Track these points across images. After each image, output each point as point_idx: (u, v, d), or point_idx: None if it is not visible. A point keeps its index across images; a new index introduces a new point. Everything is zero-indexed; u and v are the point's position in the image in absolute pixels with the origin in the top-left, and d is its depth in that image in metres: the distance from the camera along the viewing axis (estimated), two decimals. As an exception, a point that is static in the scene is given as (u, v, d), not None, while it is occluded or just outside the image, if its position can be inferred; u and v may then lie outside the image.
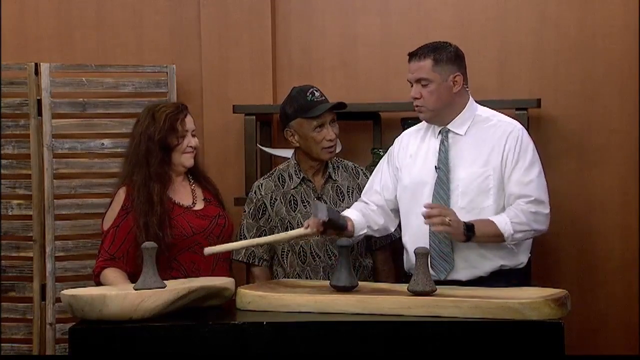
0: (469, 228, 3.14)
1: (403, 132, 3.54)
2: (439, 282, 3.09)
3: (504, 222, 3.19)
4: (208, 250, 3.24)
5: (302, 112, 3.49)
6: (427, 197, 3.29)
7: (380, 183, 3.47)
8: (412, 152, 3.41)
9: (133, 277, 3.36)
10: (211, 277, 3.36)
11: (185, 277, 3.35)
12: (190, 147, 3.51)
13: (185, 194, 3.54)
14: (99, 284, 3.37)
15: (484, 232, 3.17)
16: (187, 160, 3.52)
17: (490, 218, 3.21)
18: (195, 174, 3.60)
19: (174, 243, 3.34)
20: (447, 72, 3.27)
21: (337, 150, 3.77)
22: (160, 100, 4.13)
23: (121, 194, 3.47)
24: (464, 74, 3.33)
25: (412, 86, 3.31)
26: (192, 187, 3.58)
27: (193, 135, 3.53)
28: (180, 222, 3.44)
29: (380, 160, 3.55)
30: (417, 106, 3.32)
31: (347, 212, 3.40)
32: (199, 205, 3.53)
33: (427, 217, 3.12)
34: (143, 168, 3.44)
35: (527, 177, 3.24)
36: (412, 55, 3.32)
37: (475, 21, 4.23)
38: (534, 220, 3.22)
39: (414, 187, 3.35)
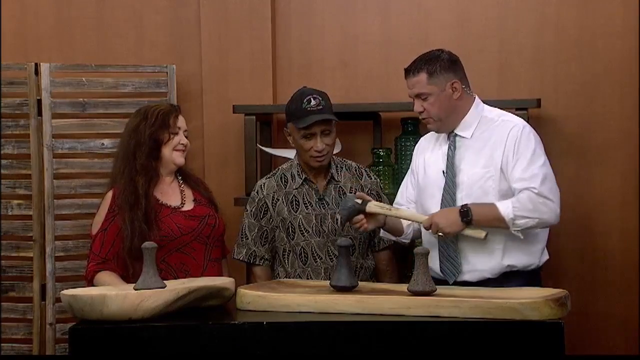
0: (465, 213, 3.15)
1: (422, 137, 3.56)
2: (449, 284, 3.10)
3: (505, 206, 3.16)
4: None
5: (293, 119, 3.47)
6: (437, 202, 3.30)
7: (406, 189, 3.51)
8: (426, 156, 3.43)
9: (123, 279, 3.37)
10: (211, 277, 3.36)
11: (174, 278, 3.34)
12: (182, 144, 3.51)
13: (173, 195, 3.53)
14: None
15: (482, 214, 3.16)
16: (178, 157, 3.52)
17: (495, 202, 3.20)
18: (186, 176, 3.60)
19: (162, 244, 3.32)
20: (443, 82, 3.27)
21: (337, 151, 3.77)
22: (161, 100, 4.14)
23: (108, 197, 3.47)
24: (462, 78, 3.31)
25: (413, 101, 3.32)
26: (182, 188, 3.57)
27: (185, 136, 3.54)
28: (168, 223, 3.44)
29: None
30: (424, 119, 3.34)
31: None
32: (188, 206, 3.53)
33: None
34: (130, 162, 3.45)
35: (528, 172, 3.20)
36: (407, 72, 3.32)
37: (475, 21, 4.23)
38: (539, 208, 3.16)
39: (426, 192, 3.37)
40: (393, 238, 3.51)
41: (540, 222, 3.19)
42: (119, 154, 3.55)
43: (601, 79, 4.15)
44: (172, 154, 3.50)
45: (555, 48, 4.18)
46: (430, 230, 3.20)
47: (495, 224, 3.17)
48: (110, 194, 3.47)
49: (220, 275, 3.51)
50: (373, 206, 3.28)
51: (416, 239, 3.50)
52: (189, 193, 3.57)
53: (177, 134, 3.50)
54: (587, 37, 4.16)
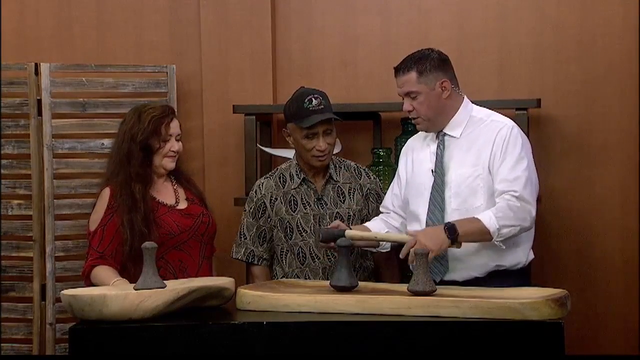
0: (451, 230, 3.10)
1: (409, 139, 3.56)
2: (436, 284, 3.08)
3: (488, 217, 3.14)
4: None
5: (295, 119, 3.47)
6: (425, 200, 3.30)
7: (392, 192, 3.50)
8: (414, 156, 3.43)
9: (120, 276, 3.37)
10: (211, 277, 3.37)
11: (173, 276, 3.36)
12: (173, 151, 3.51)
13: (167, 194, 3.55)
14: (89, 284, 3.36)
15: (467, 230, 3.13)
16: (168, 163, 3.52)
17: (476, 215, 3.18)
18: (178, 176, 3.61)
19: (162, 242, 3.33)
20: (433, 81, 3.27)
21: (337, 151, 3.77)
22: (160, 100, 4.14)
23: (105, 195, 3.47)
24: (452, 78, 3.32)
25: (403, 99, 3.33)
26: (175, 187, 3.59)
27: (177, 140, 3.54)
28: (167, 221, 3.45)
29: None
30: (413, 118, 3.35)
31: (367, 224, 3.46)
32: (182, 205, 3.55)
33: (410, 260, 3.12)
34: (125, 168, 3.46)
35: (512, 173, 3.20)
36: (397, 70, 3.33)
37: (475, 21, 4.23)
38: (519, 215, 3.16)
39: (415, 191, 3.37)
40: (373, 250, 3.52)
41: (521, 229, 3.19)
42: (112, 154, 3.56)
43: (601, 79, 4.15)
44: (163, 160, 3.51)
45: (555, 48, 4.18)
46: (413, 249, 3.10)
47: (480, 238, 3.17)
48: (107, 192, 3.47)
49: (212, 272, 3.53)
50: (351, 233, 3.26)
51: (396, 246, 3.50)
52: (181, 192, 3.59)
53: (168, 141, 3.51)
54: (587, 37, 4.16)
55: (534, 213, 3.20)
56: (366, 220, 3.55)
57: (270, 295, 3.04)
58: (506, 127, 3.28)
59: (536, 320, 2.78)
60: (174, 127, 3.53)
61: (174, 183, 3.59)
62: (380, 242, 3.41)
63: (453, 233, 3.11)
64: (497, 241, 3.16)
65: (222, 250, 3.88)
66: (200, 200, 3.62)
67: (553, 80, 4.18)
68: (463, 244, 3.16)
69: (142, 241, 3.22)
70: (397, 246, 3.62)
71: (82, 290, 3.00)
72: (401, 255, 3.16)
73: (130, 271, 3.36)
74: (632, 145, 4.13)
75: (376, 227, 3.43)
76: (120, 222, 3.39)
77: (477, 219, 3.16)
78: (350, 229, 3.32)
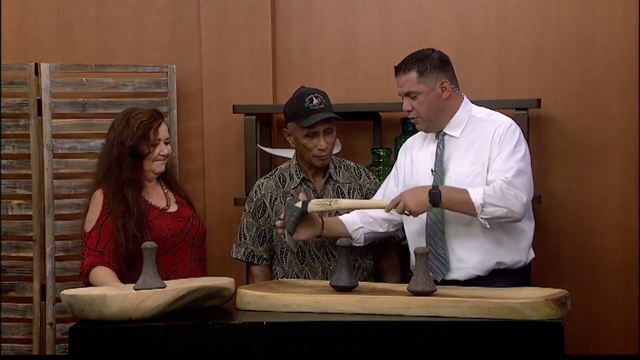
0: (435, 195, 3.12)
1: (409, 138, 3.56)
2: (437, 284, 3.09)
3: (476, 192, 3.14)
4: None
5: (296, 118, 3.47)
6: None
7: (385, 189, 3.49)
8: (414, 156, 3.43)
9: (118, 276, 3.37)
10: (211, 277, 3.37)
11: (165, 278, 3.35)
12: (162, 155, 3.54)
13: (158, 197, 3.58)
14: (87, 284, 3.37)
15: (453, 198, 3.14)
16: (158, 167, 3.55)
17: (467, 187, 3.18)
18: (167, 179, 3.64)
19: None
20: (433, 81, 3.27)
21: (337, 151, 3.77)
22: (160, 100, 4.14)
23: (98, 196, 3.49)
24: (452, 78, 3.32)
25: (403, 99, 3.33)
26: (165, 191, 3.62)
27: (166, 143, 3.56)
28: (158, 225, 3.48)
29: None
30: (412, 118, 3.35)
31: (341, 217, 3.45)
32: (173, 208, 3.58)
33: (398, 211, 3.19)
34: (115, 173, 3.48)
35: (505, 164, 3.19)
36: (397, 70, 3.33)
37: (475, 21, 4.23)
38: (509, 199, 3.13)
39: None
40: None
41: (507, 213, 3.15)
42: (102, 158, 3.57)
43: (601, 79, 4.15)
44: (152, 164, 3.53)
45: (555, 48, 4.18)
46: (396, 210, 3.17)
47: (463, 209, 3.16)
48: (99, 194, 3.49)
49: (205, 274, 3.54)
50: (313, 206, 3.26)
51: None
52: (171, 195, 3.62)
53: (157, 145, 3.53)
54: (587, 37, 4.16)
55: (524, 201, 3.17)
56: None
57: (270, 295, 3.04)
58: (503, 125, 3.28)
59: (536, 320, 2.78)
60: (163, 131, 3.55)
61: (163, 187, 3.63)
62: (354, 238, 3.40)
63: (436, 199, 3.13)
64: (481, 218, 3.15)
65: (222, 250, 3.89)
66: (188, 203, 3.65)
67: (553, 80, 4.18)
68: (464, 238, 3.20)
69: (136, 245, 3.25)
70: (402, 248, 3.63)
71: (82, 290, 3.00)
72: (385, 211, 3.23)
73: (125, 275, 3.37)
74: (632, 145, 4.13)
75: (350, 220, 3.43)
76: (114, 226, 3.41)
77: (466, 190, 3.16)
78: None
